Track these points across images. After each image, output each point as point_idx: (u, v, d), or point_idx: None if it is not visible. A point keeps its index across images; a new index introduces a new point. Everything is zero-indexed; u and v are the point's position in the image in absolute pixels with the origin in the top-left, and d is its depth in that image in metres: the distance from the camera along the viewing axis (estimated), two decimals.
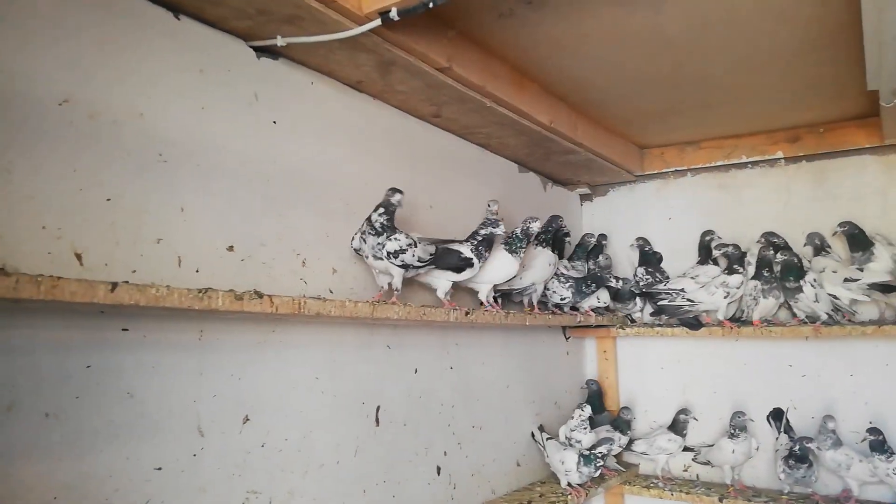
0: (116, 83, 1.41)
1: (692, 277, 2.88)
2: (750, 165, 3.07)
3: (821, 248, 2.76)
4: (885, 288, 2.53)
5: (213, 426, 1.52)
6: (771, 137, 2.97)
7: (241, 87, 1.70)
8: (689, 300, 2.81)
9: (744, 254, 2.82)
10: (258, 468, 1.61)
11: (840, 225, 2.69)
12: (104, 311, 1.32)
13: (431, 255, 1.94)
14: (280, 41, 1.68)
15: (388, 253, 1.82)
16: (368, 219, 1.84)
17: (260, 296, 1.38)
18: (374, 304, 1.71)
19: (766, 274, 2.71)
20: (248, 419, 1.60)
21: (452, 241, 2.11)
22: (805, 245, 2.81)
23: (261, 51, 1.75)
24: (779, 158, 2.98)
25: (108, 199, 1.37)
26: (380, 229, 1.82)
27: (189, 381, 1.48)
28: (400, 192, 1.84)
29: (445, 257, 2.04)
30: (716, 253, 2.92)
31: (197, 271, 1.52)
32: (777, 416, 2.81)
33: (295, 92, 1.85)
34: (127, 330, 1.38)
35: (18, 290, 1.02)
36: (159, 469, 1.41)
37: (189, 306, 1.24)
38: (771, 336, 2.72)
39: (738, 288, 2.75)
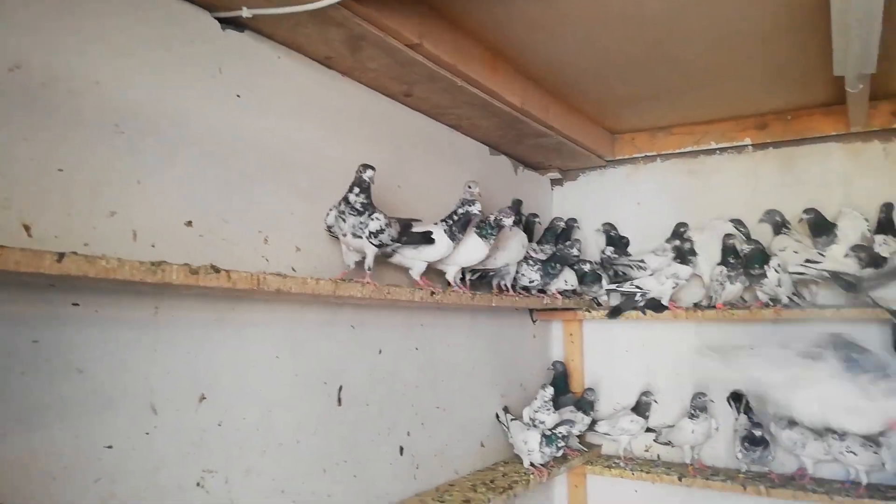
0: (72, 50, 1.36)
1: (654, 252, 2.99)
2: (719, 151, 3.09)
3: (781, 225, 2.80)
4: (848, 286, 2.58)
5: (168, 404, 1.49)
6: (740, 124, 3.00)
7: (204, 60, 1.65)
8: (637, 286, 2.91)
9: (693, 249, 2.91)
10: (214, 447, 1.59)
11: (805, 212, 2.73)
12: (53, 285, 1.28)
13: (399, 232, 1.94)
14: (246, 13, 1.62)
15: (371, 233, 1.80)
16: (346, 199, 1.81)
17: (217, 270, 1.34)
18: (337, 282, 1.68)
19: (731, 260, 2.77)
20: (204, 397, 1.57)
21: (417, 221, 2.09)
22: (761, 221, 2.85)
23: (226, 22, 1.69)
24: (747, 145, 3.02)
25: (61, 170, 1.33)
26: (361, 209, 1.80)
27: (142, 358, 1.45)
28: (371, 167, 1.81)
29: (413, 235, 2.02)
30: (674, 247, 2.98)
31: (153, 246, 1.48)
32: (737, 397, 2.87)
33: (261, 66, 1.80)
34: (77, 305, 1.34)
35: None
36: (110, 447, 1.37)
37: (141, 279, 1.20)
38: (733, 319, 2.77)
39: (686, 280, 2.88)
